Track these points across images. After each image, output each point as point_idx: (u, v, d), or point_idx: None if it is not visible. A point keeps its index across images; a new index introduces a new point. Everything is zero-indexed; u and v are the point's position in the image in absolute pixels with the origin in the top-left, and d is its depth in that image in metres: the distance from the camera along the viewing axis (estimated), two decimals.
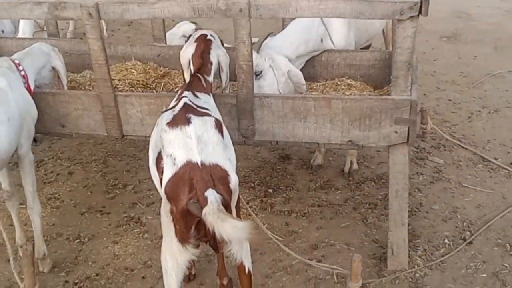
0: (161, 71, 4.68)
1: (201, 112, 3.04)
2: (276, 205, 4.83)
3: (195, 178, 2.70)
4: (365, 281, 3.83)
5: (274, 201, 4.87)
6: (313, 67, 4.63)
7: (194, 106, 3.09)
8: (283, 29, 4.72)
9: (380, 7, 3.37)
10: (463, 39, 8.79)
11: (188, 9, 3.52)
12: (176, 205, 2.75)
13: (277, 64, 4.27)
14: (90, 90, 4.61)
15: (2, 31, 5.41)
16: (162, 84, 4.59)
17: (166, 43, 4.90)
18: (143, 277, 4.12)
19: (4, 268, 4.22)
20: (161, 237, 3.56)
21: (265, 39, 4.47)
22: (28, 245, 3.90)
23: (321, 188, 5.03)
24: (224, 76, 3.86)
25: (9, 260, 3.98)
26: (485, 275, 4.02)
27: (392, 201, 3.91)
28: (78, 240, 4.52)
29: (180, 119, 2.93)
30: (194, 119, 2.92)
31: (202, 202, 2.62)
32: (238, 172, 5.19)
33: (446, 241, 4.35)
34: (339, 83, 4.50)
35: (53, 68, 4.33)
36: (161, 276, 3.82)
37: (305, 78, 4.55)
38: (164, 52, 4.74)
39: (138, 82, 4.53)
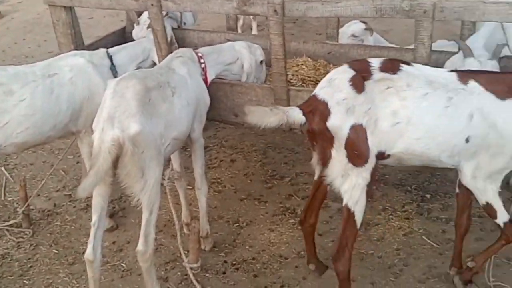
0: (330, 68, 4.76)
1: None
2: (433, 211, 4.74)
3: None
4: None
5: (431, 207, 4.78)
6: None
7: None
8: (461, 33, 4.62)
9: None
10: None
11: (371, 9, 3.56)
12: None
13: None
14: None
15: (184, 23, 5.71)
16: None
17: (337, 41, 4.98)
18: (296, 266, 4.23)
19: (170, 242, 4.54)
20: None
21: None
22: (196, 223, 4.19)
23: None
24: None
25: (173, 235, 4.29)
26: None
27: None
28: (237, 224, 4.74)
29: None
30: None
31: None
32: (395, 174, 5.15)
33: None
34: None
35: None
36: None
37: None
38: (335, 50, 4.83)
39: (308, 78, 4.65)
